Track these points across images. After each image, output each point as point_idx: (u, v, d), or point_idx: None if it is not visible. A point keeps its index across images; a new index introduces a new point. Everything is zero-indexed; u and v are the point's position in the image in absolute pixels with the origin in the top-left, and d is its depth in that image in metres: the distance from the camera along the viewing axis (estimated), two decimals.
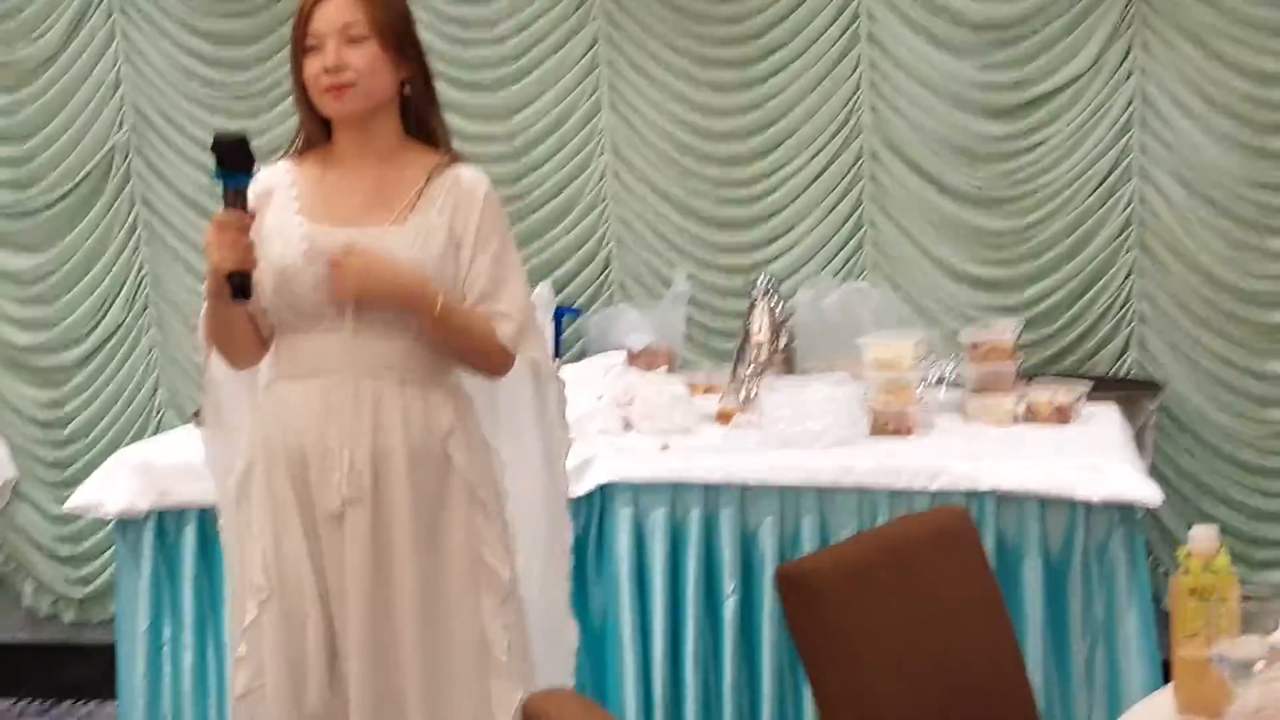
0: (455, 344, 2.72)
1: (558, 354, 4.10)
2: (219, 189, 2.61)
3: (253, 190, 2.67)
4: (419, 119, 2.79)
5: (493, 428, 2.85)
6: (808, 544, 3.36)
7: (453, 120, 4.29)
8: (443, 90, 4.24)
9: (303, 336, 2.72)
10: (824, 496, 3.39)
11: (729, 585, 3.41)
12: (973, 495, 3.30)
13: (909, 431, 3.58)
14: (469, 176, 2.77)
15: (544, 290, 3.91)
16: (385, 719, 2.71)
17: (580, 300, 4.45)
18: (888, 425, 3.58)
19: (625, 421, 3.73)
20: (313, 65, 2.67)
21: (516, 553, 2.86)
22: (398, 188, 2.73)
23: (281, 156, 2.81)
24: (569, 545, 3.00)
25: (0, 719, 4.72)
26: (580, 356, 4.27)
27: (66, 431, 4.75)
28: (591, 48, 4.37)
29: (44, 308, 4.72)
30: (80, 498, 3.68)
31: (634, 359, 4.09)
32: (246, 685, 2.75)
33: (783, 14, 4.26)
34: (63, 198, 4.66)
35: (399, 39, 2.70)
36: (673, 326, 4.24)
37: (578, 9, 4.36)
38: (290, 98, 2.77)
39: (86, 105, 4.61)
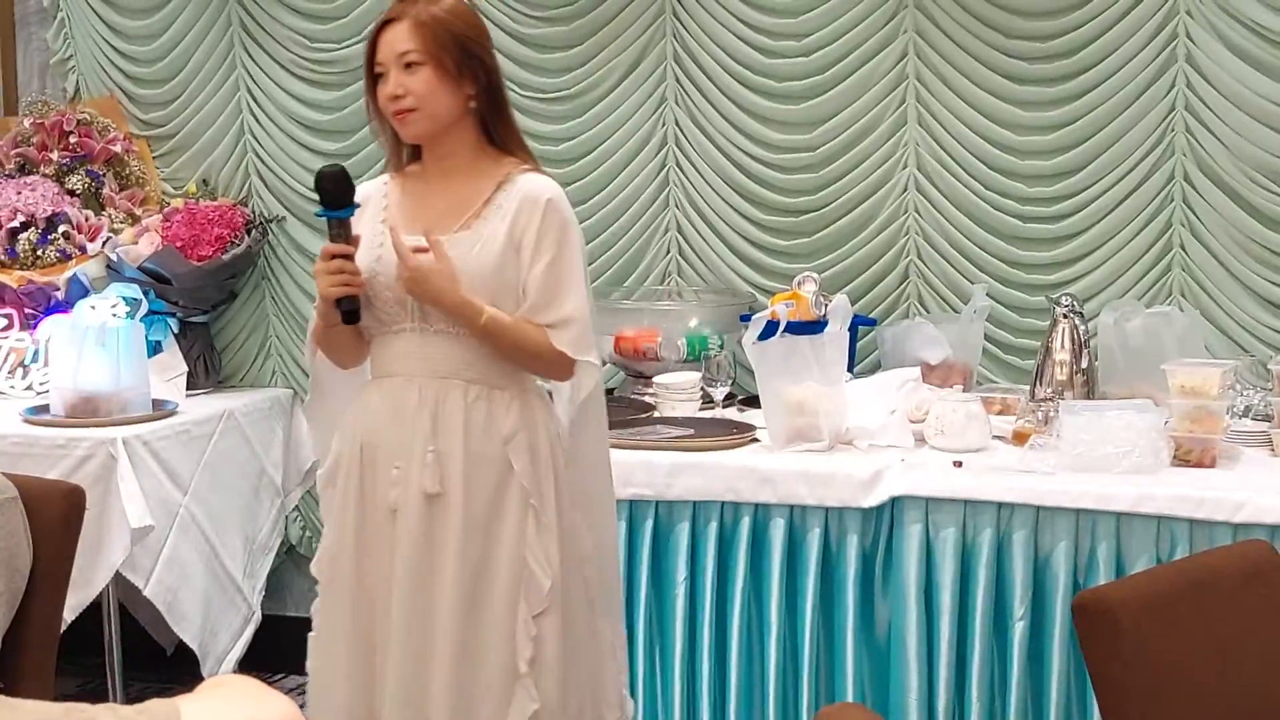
0: (507, 354, 2.84)
1: (851, 366, 4.10)
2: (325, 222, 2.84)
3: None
4: (499, 129, 2.92)
5: (579, 431, 2.95)
6: (1102, 571, 3.30)
7: (756, 129, 4.43)
8: (750, 100, 4.42)
9: (382, 338, 2.90)
10: (1121, 523, 3.32)
11: (1019, 608, 3.37)
12: (1277, 529, 3.20)
13: (1212, 462, 3.49)
14: (534, 183, 2.87)
15: (840, 300, 3.91)
16: (413, 710, 2.81)
17: (876, 311, 4.45)
18: (1190, 454, 3.49)
19: (918, 436, 3.72)
20: (381, 92, 2.85)
21: (587, 563, 2.95)
22: (471, 197, 2.87)
23: (382, 171, 3.03)
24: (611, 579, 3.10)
25: (296, 693, 4.92)
26: (875, 369, 4.27)
27: None
28: (901, 60, 4.36)
29: None
30: None
31: (929, 374, 4.07)
32: (312, 664, 2.97)
33: (1098, 31, 4.19)
34: None
35: (456, 61, 2.83)
36: (970, 343, 4.20)
37: (888, 22, 4.35)
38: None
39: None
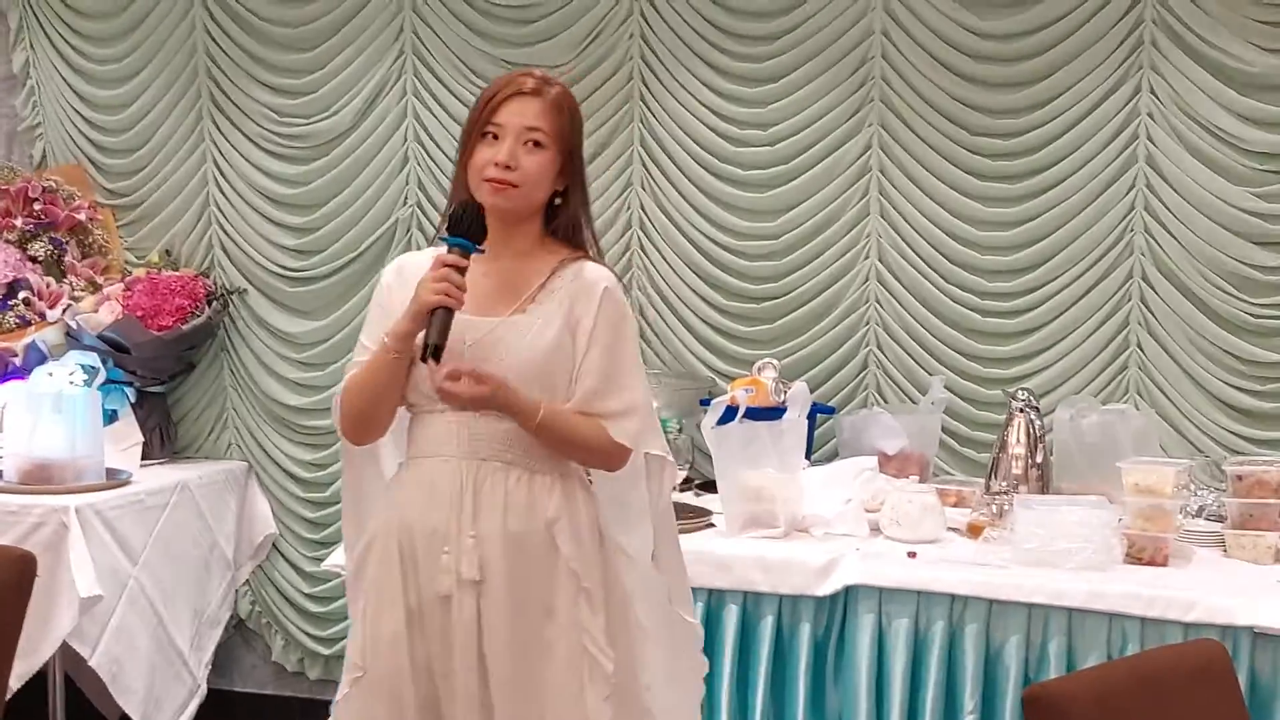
0: (561, 449, 2.76)
1: (809, 453, 4.11)
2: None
3: (395, 283, 2.81)
4: (571, 226, 2.85)
5: (621, 521, 2.85)
6: (1053, 666, 3.31)
7: (720, 215, 4.46)
8: (715, 186, 4.46)
9: (423, 418, 2.80)
10: (1073, 619, 3.33)
11: (969, 702, 3.36)
12: (1228, 630, 3.21)
13: (1165, 561, 3.50)
14: (592, 271, 2.81)
15: (800, 388, 3.93)
16: None
17: (835, 400, 4.46)
18: (1143, 552, 3.51)
19: (873, 526, 3.72)
20: (484, 153, 2.74)
21: (635, 650, 2.87)
22: (527, 279, 2.79)
23: (434, 241, 2.90)
24: (695, 647, 3.03)
25: None
26: (832, 457, 4.28)
27: (327, 492, 4.90)
28: (865, 152, 4.41)
29: (315, 371, 4.90)
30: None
31: (886, 463, 4.08)
32: None
33: (1060, 130, 4.25)
34: (343, 268, 4.85)
35: (570, 153, 2.79)
36: (927, 434, 4.22)
37: (854, 114, 4.40)
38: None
39: (374, 181, 4.79)
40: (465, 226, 2.69)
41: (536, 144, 2.74)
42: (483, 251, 2.71)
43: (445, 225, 2.73)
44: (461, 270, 2.67)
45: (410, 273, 2.80)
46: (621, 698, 2.80)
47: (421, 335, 2.66)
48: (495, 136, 2.74)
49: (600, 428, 2.75)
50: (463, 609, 2.73)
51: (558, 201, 2.82)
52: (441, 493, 2.75)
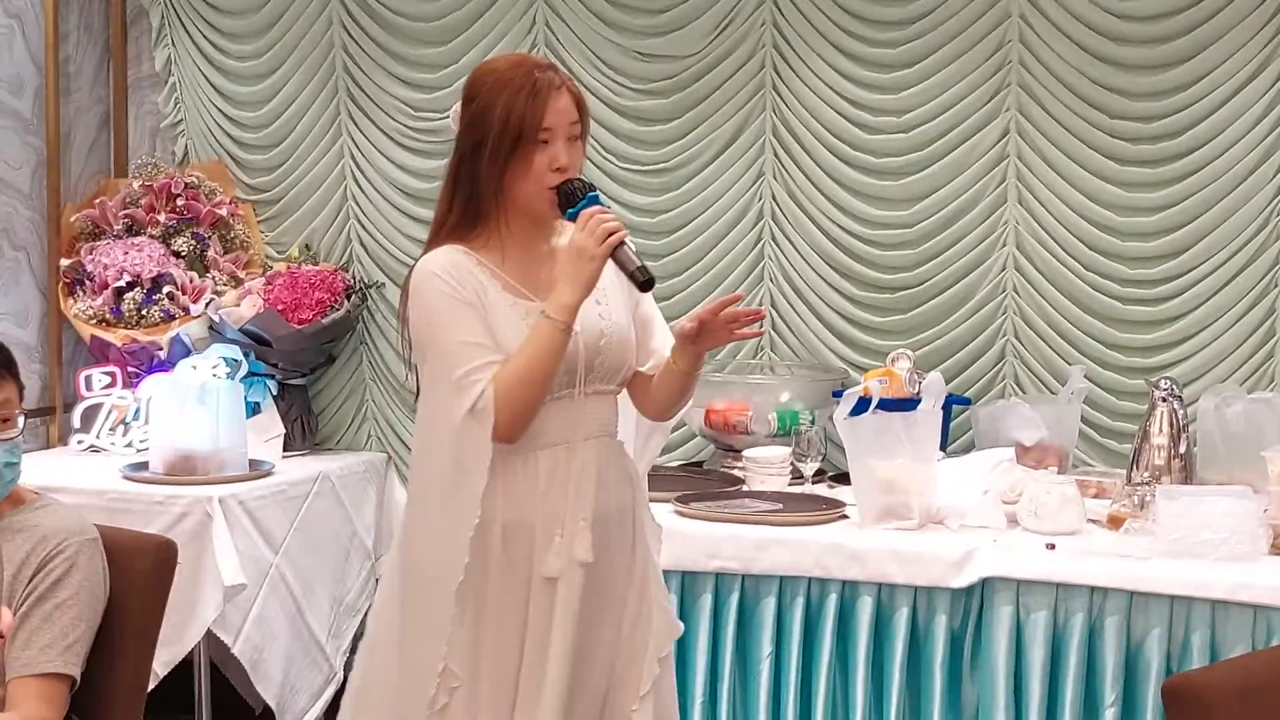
0: (690, 393, 2.88)
1: (944, 445, 4.07)
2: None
3: (454, 279, 2.73)
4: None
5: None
6: (1196, 659, 3.24)
7: (853, 205, 4.43)
8: (848, 175, 4.42)
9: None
10: (1217, 611, 3.26)
11: (1110, 695, 3.31)
12: None
13: None
14: None
15: (934, 378, 3.89)
16: None
17: (972, 390, 4.41)
18: None
19: (1011, 518, 3.67)
20: (540, 159, 2.70)
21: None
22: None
23: (432, 244, 2.80)
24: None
25: None
26: (968, 448, 4.23)
27: None
28: (1002, 139, 4.35)
29: None
30: None
31: (1024, 455, 4.02)
32: None
33: (1203, 113, 4.16)
34: None
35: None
36: (1066, 424, 4.15)
37: (990, 100, 4.35)
38: None
39: None
40: (580, 196, 2.72)
41: (576, 138, 2.76)
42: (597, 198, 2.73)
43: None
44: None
45: (462, 264, 2.73)
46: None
47: (630, 272, 2.69)
48: (546, 141, 2.72)
49: None
50: (569, 589, 2.72)
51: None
52: (562, 478, 2.75)
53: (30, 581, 2.72)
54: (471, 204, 2.76)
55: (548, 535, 2.73)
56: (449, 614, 2.70)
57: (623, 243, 2.67)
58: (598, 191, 2.73)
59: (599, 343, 2.77)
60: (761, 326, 2.82)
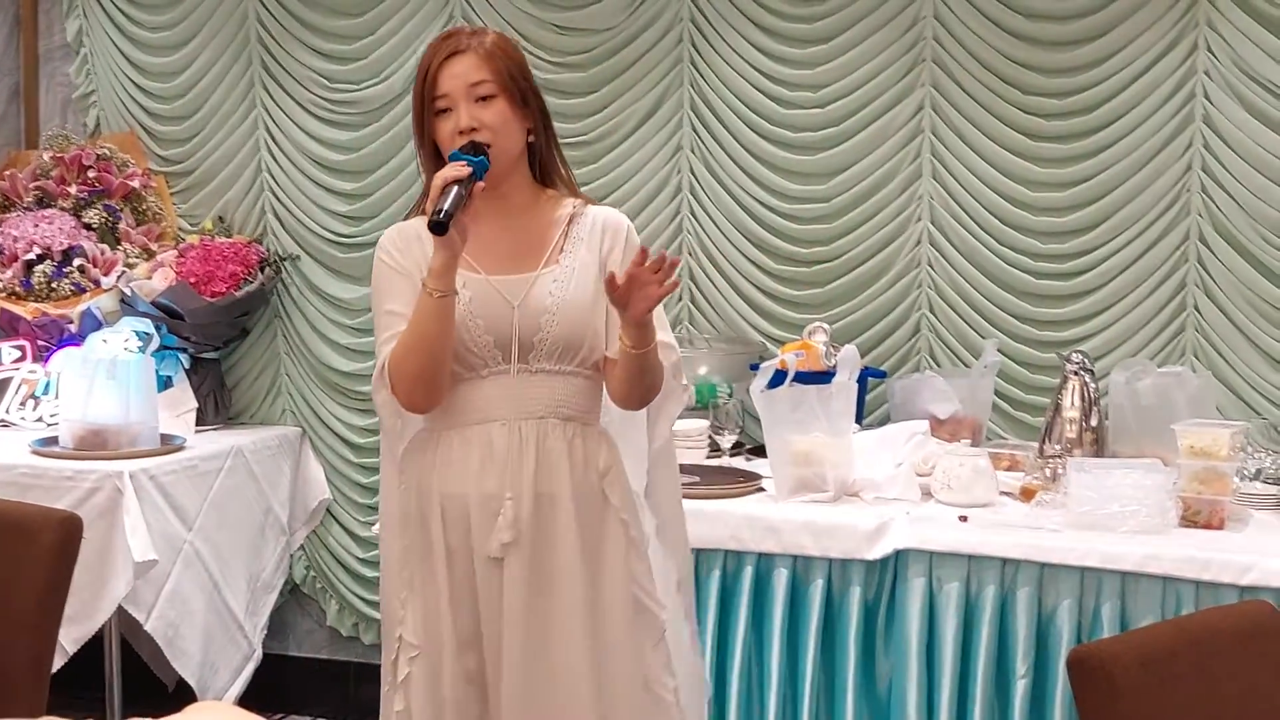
0: (646, 377, 2.78)
1: (860, 418, 4.09)
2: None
3: (396, 248, 2.79)
4: (545, 166, 2.86)
5: (665, 459, 2.97)
6: (1106, 630, 3.27)
7: (770, 179, 4.43)
8: (765, 149, 4.43)
9: (469, 384, 2.76)
10: (1127, 582, 3.29)
11: (1021, 666, 3.34)
12: None
13: (1220, 524, 3.46)
14: (609, 213, 2.88)
15: (850, 351, 3.91)
16: None
17: (887, 364, 4.43)
18: (1199, 515, 3.47)
19: (925, 490, 3.70)
20: (444, 127, 2.74)
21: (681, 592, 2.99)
22: (541, 234, 2.81)
23: (409, 217, 2.86)
24: (690, 584, 3.10)
25: None
26: (883, 421, 4.25)
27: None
28: (917, 113, 4.36)
29: (368, 337, 4.89)
30: None
31: (938, 428, 4.05)
32: None
33: (1115, 89, 4.19)
34: None
35: (522, 92, 2.77)
36: (980, 398, 4.18)
37: (905, 75, 4.36)
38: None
39: None
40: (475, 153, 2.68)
41: (487, 97, 2.73)
42: (481, 177, 2.66)
43: (427, 203, 2.67)
44: (466, 183, 2.62)
45: (410, 232, 2.80)
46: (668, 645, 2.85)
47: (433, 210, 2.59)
48: (447, 109, 2.74)
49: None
50: (514, 571, 2.73)
51: (532, 141, 2.82)
52: (500, 456, 2.74)
53: None
54: (425, 178, 2.81)
55: (485, 512, 2.74)
56: (398, 583, 2.82)
57: (462, 184, 2.60)
58: (484, 157, 2.68)
59: (539, 319, 2.75)
60: (679, 276, 2.74)
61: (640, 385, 2.79)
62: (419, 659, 2.78)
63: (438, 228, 2.57)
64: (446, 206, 2.56)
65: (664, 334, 2.82)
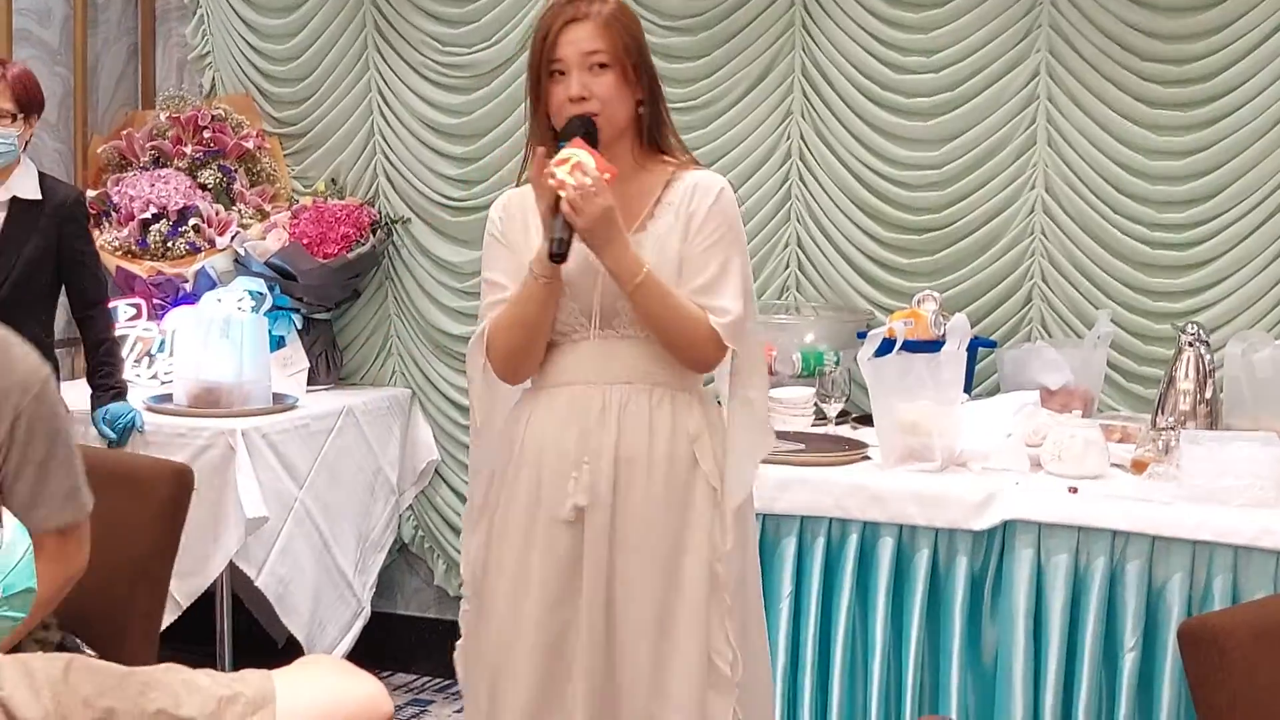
0: (657, 318, 2.73)
1: (969, 388, 4.05)
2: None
3: (501, 219, 2.85)
4: (653, 137, 2.85)
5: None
6: (1218, 603, 3.23)
7: (881, 145, 4.40)
8: (877, 115, 4.39)
9: (562, 345, 2.82)
10: (1239, 556, 3.25)
11: (1130, 639, 3.30)
12: None
13: None
14: (705, 178, 2.85)
15: (959, 320, 3.87)
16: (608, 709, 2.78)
17: (998, 333, 4.39)
18: None
19: (1034, 461, 3.66)
20: (557, 93, 2.76)
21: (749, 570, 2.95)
22: (637, 200, 2.80)
23: (517, 184, 2.92)
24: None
25: (402, 691, 4.97)
26: (993, 392, 4.21)
27: None
28: (1032, 80, 4.31)
29: (476, 300, 4.86)
30: None
31: (1049, 398, 4.00)
32: (463, 673, 2.96)
33: (1235, 57, 4.11)
34: None
35: (635, 65, 2.78)
36: (1092, 369, 4.13)
37: (1021, 40, 4.30)
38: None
39: None
40: (575, 132, 2.71)
41: (602, 65, 2.75)
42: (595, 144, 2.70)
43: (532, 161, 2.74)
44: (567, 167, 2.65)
45: (515, 205, 2.86)
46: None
47: (549, 239, 2.67)
48: (561, 73, 2.76)
49: (702, 313, 2.75)
50: (592, 533, 2.76)
51: (641, 112, 2.82)
52: (580, 418, 2.78)
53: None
54: (531, 141, 2.85)
55: (560, 475, 2.78)
56: (471, 525, 2.93)
57: (558, 207, 2.64)
58: (593, 129, 2.72)
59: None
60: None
61: (658, 332, 2.76)
62: (473, 600, 2.90)
63: (558, 259, 2.67)
64: (563, 235, 2.65)
65: (716, 299, 2.77)
